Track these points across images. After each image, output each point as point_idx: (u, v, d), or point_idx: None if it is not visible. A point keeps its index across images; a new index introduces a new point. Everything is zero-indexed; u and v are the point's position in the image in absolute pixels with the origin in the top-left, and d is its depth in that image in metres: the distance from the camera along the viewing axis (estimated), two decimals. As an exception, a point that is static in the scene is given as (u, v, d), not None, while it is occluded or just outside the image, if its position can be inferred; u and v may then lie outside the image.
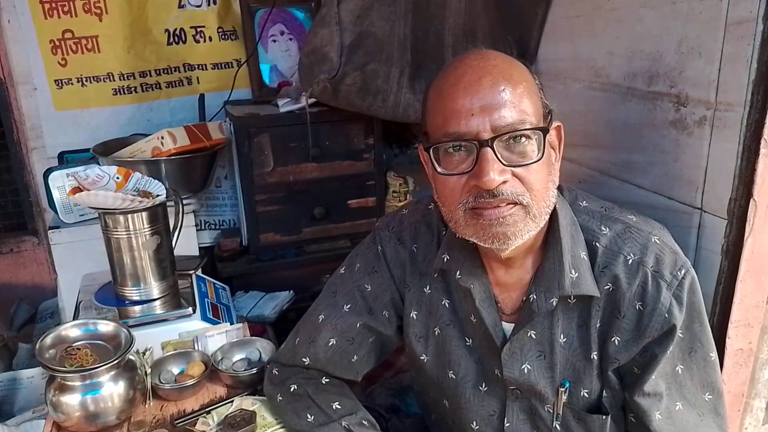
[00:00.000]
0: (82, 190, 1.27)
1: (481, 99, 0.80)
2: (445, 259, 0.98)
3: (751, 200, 0.95)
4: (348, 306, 1.07)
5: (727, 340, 1.03)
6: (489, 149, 0.79)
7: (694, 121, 1.04)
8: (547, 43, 1.47)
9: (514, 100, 0.80)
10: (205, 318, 1.35)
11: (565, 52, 1.39)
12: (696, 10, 1.01)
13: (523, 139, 0.81)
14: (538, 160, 0.82)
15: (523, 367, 0.95)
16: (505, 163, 0.80)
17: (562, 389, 0.94)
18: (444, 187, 0.86)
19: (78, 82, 1.92)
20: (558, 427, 0.97)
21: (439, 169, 0.84)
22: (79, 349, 1.10)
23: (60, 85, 1.91)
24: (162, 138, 1.57)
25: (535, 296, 0.92)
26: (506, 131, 0.80)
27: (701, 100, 1.02)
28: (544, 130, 0.82)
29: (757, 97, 0.92)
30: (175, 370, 1.23)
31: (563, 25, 1.41)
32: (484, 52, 0.86)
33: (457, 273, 0.96)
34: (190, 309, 1.35)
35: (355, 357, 1.08)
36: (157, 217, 1.32)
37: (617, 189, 1.23)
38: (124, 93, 1.96)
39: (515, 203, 0.82)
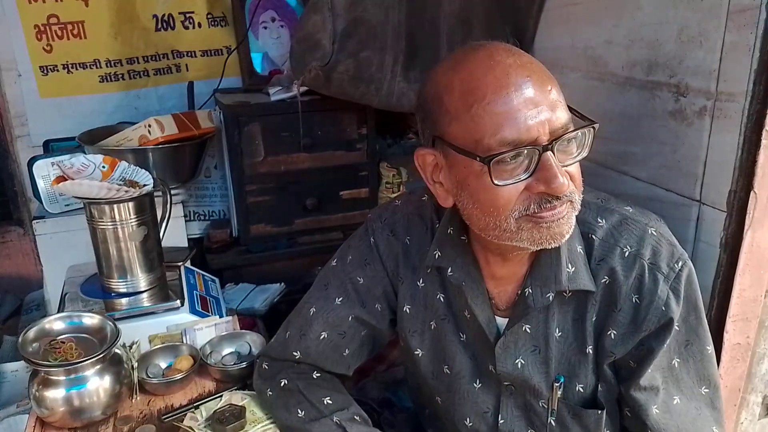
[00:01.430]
0: (66, 179, 1.24)
1: (535, 101, 0.75)
2: (437, 255, 0.96)
3: (752, 192, 0.94)
4: (340, 299, 1.05)
5: (724, 334, 1.01)
6: (551, 153, 0.76)
7: (694, 112, 1.02)
8: (544, 32, 1.45)
9: (561, 99, 0.77)
10: (193, 311, 1.33)
11: (562, 41, 1.37)
12: (698, -3, 0.99)
13: (571, 138, 0.78)
14: (585, 155, 0.80)
15: (516, 361, 0.93)
16: (560, 164, 0.77)
17: (556, 384, 0.93)
18: (497, 198, 0.79)
19: (64, 68, 1.89)
20: (553, 422, 0.95)
21: (496, 181, 0.76)
22: (63, 342, 1.08)
23: (45, 71, 1.87)
24: (149, 126, 1.54)
25: (530, 290, 0.90)
26: (563, 133, 0.76)
27: (701, 90, 1.00)
28: (594, 126, 0.79)
29: (759, 87, 0.90)
30: (163, 364, 1.21)
31: (561, 12, 1.38)
32: (507, 46, 0.81)
33: (449, 270, 0.94)
34: (178, 301, 1.32)
35: (346, 351, 1.06)
36: (144, 207, 1.29)
37: (614, 181, 1.21)
38: (111, 80, 1.93)
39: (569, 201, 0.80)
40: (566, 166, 0.78)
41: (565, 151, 0.79)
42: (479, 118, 0.76)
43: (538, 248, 0.83)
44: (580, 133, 0.79)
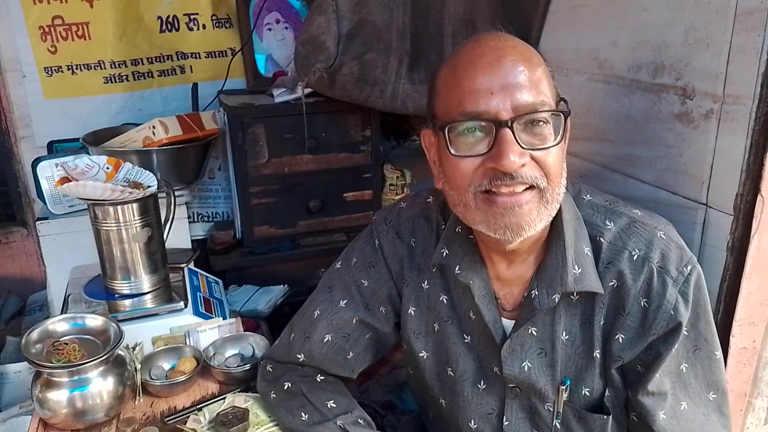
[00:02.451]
0: (70, 181, 1.24)
1: (501, 78, 0.77)
2: (444, 253, 0.96)
3: (759, 196, 0.93)
4: (344, 301, 1.04)
5: (731, 338, 1.01)
6: (508, 130, 0.76)
7: (701, 115, 1.01)
8: (549, 34, 1.44)
9: (534, 81, 0.78)
10: (197, 312, 1.32)
11: (567, 43, 1.36)
12: (705, -1, 0.98)
13: (542, 122, 0.79)
14: (557, 144, 0.80)
15: (523, 364, 0.93)
16: (524, 146, 0.77)
17: (562, 387, 0.92)
18: (455, 170, 0.81)
19: (68, 69, 1.89)
20: (558, 426, 0.95)
21: (452, 151, 0.80)
22: (66, 343, 1.07)
23: (50, 72, 1.87)
24: (153, 127, 1.54)
25: (536, 292, 0.89)
26: (526, 112, 0.77)
27: (708, 93, 1.00)
28: (566, 113, 0.80)
29: (766, 89, 0.90)
30: (166, 366, 1.20)
31: (566, 14, 1.38)
32: (501, 33, 0.83)
33: (456, 268, 0.94)
34: (182, 303, 1.32)
35: (350, 354, 1.05)
36: (148, 208, 1.29)
37: (620, 183, 1.20)
38: (116, 81, 1.93)
39: (532, 186, 0.79)
40: (535, 149, 0.78)
41: (534, 134, 0.79)
42: (450, 93, 0.80)
43: (501, 238, 0.82)
44: (552, 118, 0.79)
